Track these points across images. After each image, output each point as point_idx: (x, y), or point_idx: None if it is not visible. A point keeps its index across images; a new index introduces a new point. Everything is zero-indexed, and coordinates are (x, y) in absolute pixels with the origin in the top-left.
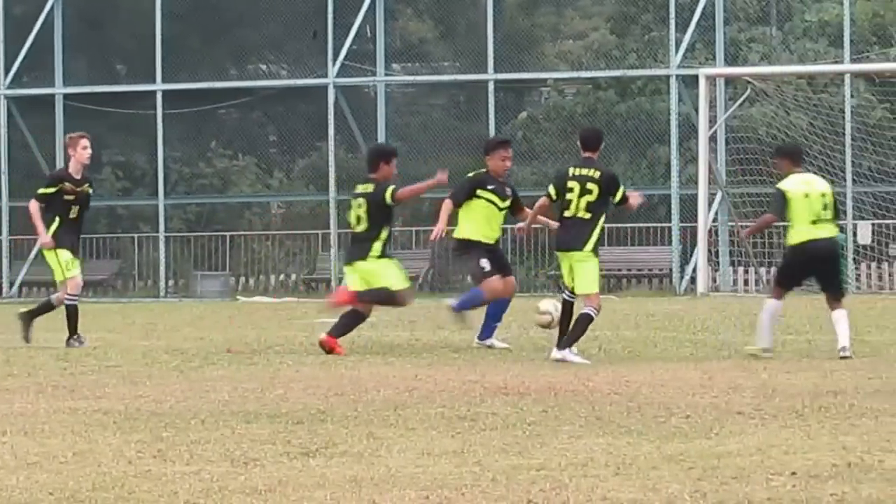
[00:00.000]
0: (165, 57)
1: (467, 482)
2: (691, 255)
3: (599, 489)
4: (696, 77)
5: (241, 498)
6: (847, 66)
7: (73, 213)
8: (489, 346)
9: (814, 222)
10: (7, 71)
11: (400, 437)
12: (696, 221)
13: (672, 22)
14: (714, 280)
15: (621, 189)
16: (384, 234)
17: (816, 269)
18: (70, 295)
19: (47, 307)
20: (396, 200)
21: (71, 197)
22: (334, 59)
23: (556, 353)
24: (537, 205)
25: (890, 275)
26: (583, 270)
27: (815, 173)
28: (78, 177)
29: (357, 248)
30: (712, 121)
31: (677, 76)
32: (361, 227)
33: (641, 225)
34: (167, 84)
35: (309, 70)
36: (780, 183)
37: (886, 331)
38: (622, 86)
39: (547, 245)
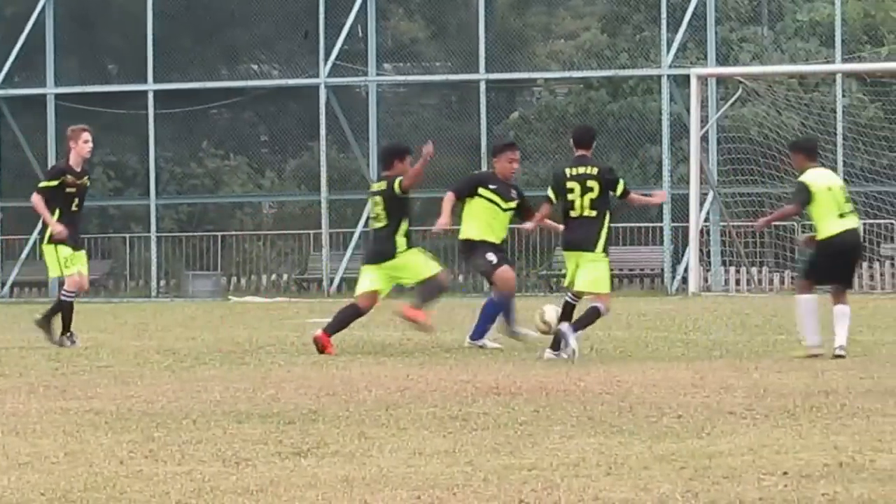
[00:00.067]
0: (157, 57)
1: (459, 482)
2: (683, 255)
3: (591, 489)
4: (687, 77)
5: (232, 498)
6: (838, 66)
7: (75, 206)
8: (481, 347)
9: (841, 215)
10: None
11: (391, 436)
12: (687, 221)
13: (663, 22)
14: (705, 280)
15: (621, 183)
16: (404, 227)
17: (848, 261)
18: (67, 291)
19: (59, 307)
20: (405, 189)
21: (72, 190)
22: (326, 59)
23: (548, 354)
24: (541, 213)
25: (882, 275)
26: (595, 270)
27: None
28: (78, 169)
29: (381, 247)
30: (704, 121)
31: (669, 76)
32: (381, 224)
33: (633, 225)
34: (159, 84)
35: (300, 70)
36: (802, 176)
37: (878, 331)
38: (614, 86)
39: (539, 245)
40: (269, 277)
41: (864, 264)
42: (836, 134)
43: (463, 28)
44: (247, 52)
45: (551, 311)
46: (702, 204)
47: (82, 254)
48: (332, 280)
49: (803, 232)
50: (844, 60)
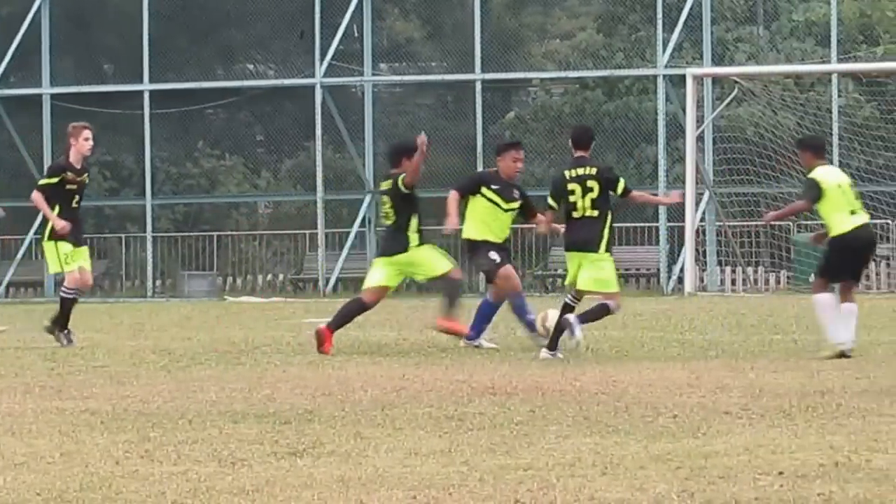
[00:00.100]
0: (152, 57)
1: (455, 482)
2: (679, 255)
3: (587, 489)
4: (683, 77)
5: (228, 498)
6: (834, 66)
7: (75, 203)
8: (476, 346)
9: (852, 212)
10: None
11: (387, 436)
12: (683, 221)
13: (659, 22)
14: (701, 280)
15: (621, 182)
16: (414, 223)
17: (862, 257)
18: (66, 288)
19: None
20: (408, 185)
21: (73, 186)
22: (321, 59)
23: (544, 354)
24: (546, 219)
25: (877, 274)
26: (600, 270)
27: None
28: (78, 167)
29: (393, 242)
30: (699, 120)
31: (664, 76)
32: (390, 221)
33: (629, 225)
34: (154, 84)
35: (296, 70)
36: (812, 173)
37: (874, 331)
38: (609, 85)
39: (534, 245)
40: (265, 277)
41: None
42: (832, 134)
43: (458, 28)
44: (242, 52)
45: (554, 316)
46: (698, 204)
47: (84, 250)
48: (327, 280)
49: (799, 231)
50: (840, 60)
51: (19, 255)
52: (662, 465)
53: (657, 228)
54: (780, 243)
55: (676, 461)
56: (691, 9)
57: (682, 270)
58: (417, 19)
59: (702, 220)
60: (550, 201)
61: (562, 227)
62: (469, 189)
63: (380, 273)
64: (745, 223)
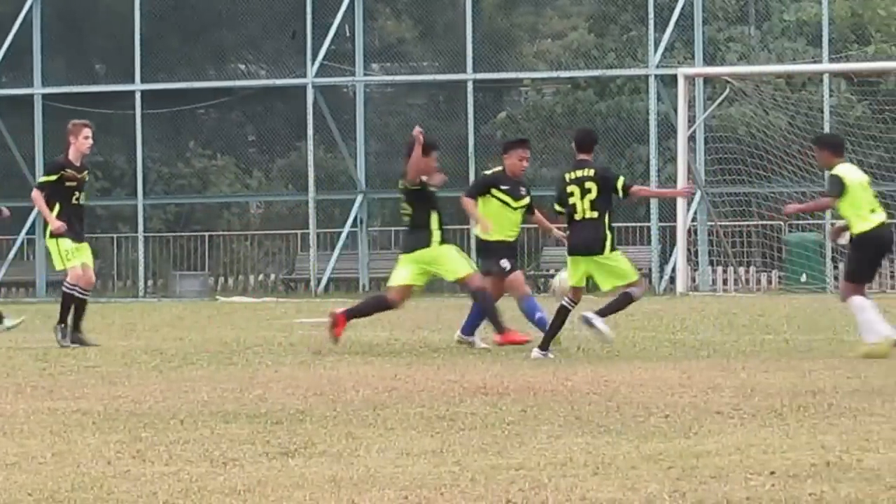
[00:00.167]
0: (144, 57)
1: (446, 482)
2: (670, 255)
3: (578, 489)
4: (674, 76)
5: (220, 498)
6: (826, 66)
7: (76, 199)
8: (470, 344)
9: (872, 210)
10: None
11: (379, 436)
12: (675, 221)
13: (651, 21)
14: (693, 280)
15: (620, 179)
16: (434, 218)
17: (882, 255)
18: (68, 283)
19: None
20: (411, 181)
21: (72, 183)
22: (313, 59)
23: (536, 353)
24: (553, 226)
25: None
26: (615, 265)
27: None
28: (78, 164)
29: (415, 238)
30: (691, 120)
31: (656, 76)
32: (409, 218)
33: (621, 224)
34: (146, 84)
35: (288, 70)
36: (835, 170)
37: None
38: (601, 85)
39: (527, 245)
40: (257, 277)
41: None
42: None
43: (450, 28)
44: (234, 52)
45: (565, 278)
46: (689, 204)
47: (86, 247)
48: (319, 280)
49: (790, 231)
50: (832, 60)
51: (10, 255)
52: (654, 465)
53: (648, 228)
54: (771, 243)
55: (668, 461)
56: (683, 9)
57: (673, 270)
58: (409, 19)
59: (693, 219)
60: (557, 207)
61: (554, 227)
62: (480, 193)
63: (404, 271)
64: (736, 223)
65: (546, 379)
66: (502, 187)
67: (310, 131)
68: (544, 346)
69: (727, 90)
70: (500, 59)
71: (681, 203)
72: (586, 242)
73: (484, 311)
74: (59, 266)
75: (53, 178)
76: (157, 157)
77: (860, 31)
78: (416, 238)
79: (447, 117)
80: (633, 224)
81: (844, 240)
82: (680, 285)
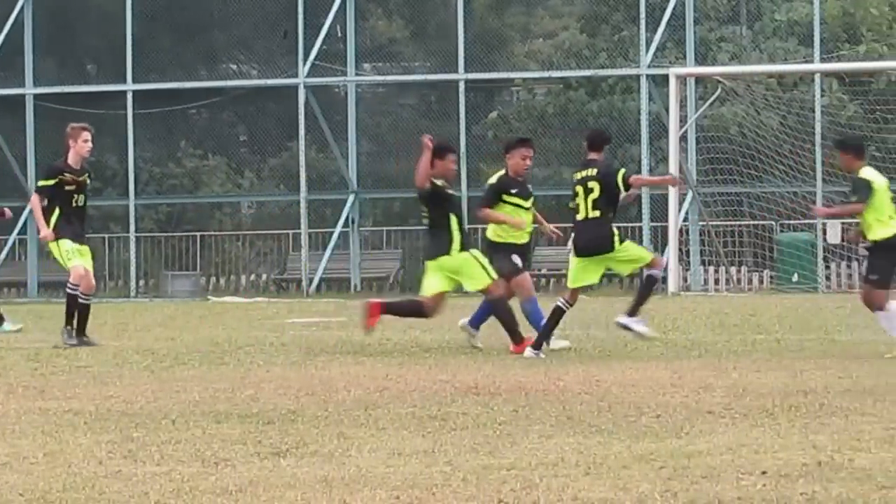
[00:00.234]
0: (136, 57)
1: (438, 482)
2: (662, 255)
3: (570, 489)
4: (666, 76)
5: (211, 498)
6: (817, 66)
7: (76, 202)
8: (471, 335)
9: (891, 217)
10: None
11: (370, 436)
12: (666, 221)
13: (642, 21)
14: (685, 279)
15: (620, 173)
16: (454, 223)
17: None
18: (71, 284)
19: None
20: (419, 187)
21: (72, 187)
22: (305, 59)
23: (528, 353)
24: (546, 224)
25: (861, 274)
26: (628, 254)
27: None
28: (77, 167)
29: (435, 243)
30: (683, 120)
31: (648, 76)
32: (427, 222)
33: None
34: (137, 84)
35: (279, 70)
36: (861, 174)
37: (856, 330)
38: (593, 85)
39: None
40: (249, 277)
41: (843, 263)
42: (815, 133)
43: (442, 28)
44: (226, 52)
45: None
46: (681, 204)
47: (87, 249)
48: (311, 280)
49: (782, 231)
50: (823, 59)
51: (2, 256)
52: (645, 465)
53: (640, 228)
54: (763, 243)
55: (660, 461)
56: (674, 9)
57: (665, 270)
58: (401, 19)
59: (685, 219)
60: (571, 205)
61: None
62: (493, 202)
63: (433, 280)
64: (728, 223)
65: (537, 379)
66: (513, 191)
67: (301, 131)
68: (537, 346)
69: (719, 90)
70: (492, 59)
71: (672, 203)
72: (595, 243)
73: (501, 321)
74: (64, 266)
75: (52, 182)
76: (149, 158)
77: (852, 30)
78: (436, 242)
79: (438, 117)
80: (625, 224)
81: (836, 239)
82: (671, 285)
